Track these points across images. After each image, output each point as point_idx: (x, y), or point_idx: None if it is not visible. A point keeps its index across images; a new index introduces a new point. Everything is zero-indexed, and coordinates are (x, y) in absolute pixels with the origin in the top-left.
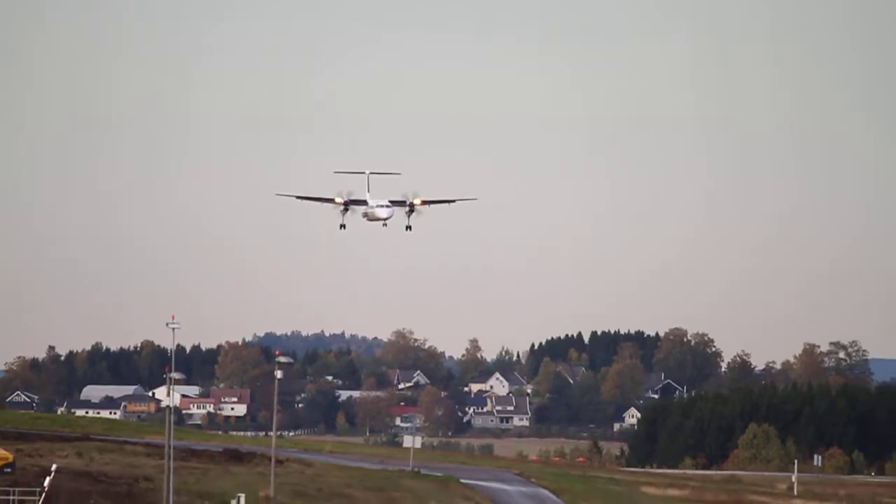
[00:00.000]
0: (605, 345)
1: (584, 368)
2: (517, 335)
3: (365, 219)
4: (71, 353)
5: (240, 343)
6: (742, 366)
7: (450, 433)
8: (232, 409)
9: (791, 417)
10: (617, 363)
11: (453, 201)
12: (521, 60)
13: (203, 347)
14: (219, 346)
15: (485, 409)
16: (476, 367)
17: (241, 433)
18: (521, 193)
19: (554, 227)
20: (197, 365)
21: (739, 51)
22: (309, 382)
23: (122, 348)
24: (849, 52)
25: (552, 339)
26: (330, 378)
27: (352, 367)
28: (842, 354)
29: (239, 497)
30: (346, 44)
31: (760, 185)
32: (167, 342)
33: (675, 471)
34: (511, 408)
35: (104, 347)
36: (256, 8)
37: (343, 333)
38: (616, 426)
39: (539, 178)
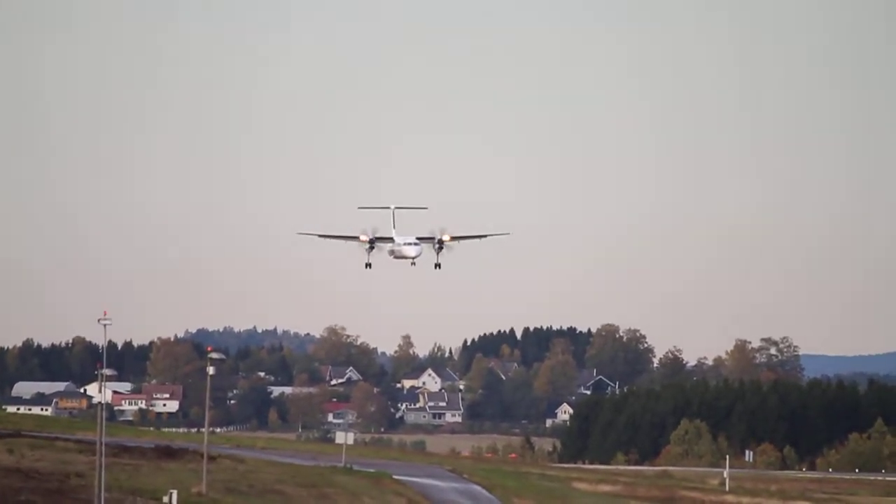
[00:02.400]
0: (538, 341)
1: (516, 364)
2: (450, 331)
3: (391, 257)
4: (2, 349)
5: (172, 339)
6: (674, 362)
7: (382, 429)
8: (164, 405)
9: (723, 413)
10: (549, 359)
11: (484, 236)
12: (546, 87)
13: (135, 344)
14: (151, 343)
15: (417, 405)
16: (408, 364)
17: (173, 429)
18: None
19: (486, 222)
20: (129, 361)
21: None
22: (241, 378)
23: (53, 344)
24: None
25: (484, 335)
26: (262, 374)
27: (284, 363)
28: (773, 350)
29: (171, 493)
30: (368, 77)
31: (694, 185)
32: (99, 338)
33: (608, 466)
34: (443, 404)
35: (35, 343)
36: (281, 41)
37: (275, 329)
38: (548, 422)
39: (475, 178)
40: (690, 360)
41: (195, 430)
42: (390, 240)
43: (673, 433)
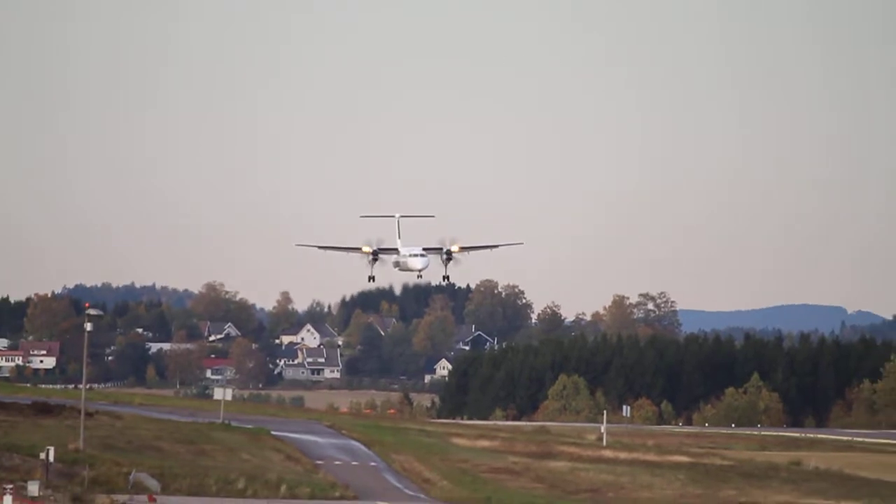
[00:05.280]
0: (417, 297)
1: (395, 320)
2: (328, 287)
3: (396, 269)
4: None
5: (49, 295)
6: (552, 317)
7: (260, 385)
8: (41, 361)
9: (600, 368)
10: (428, 315)
11: (496, 247)
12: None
13: (12, 300)
14: (27, 299)
15: (296, 361)
16: (287, 319)
17: (51, 386)
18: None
19: (367, 174)
20: (5, 317)
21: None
22: (119, 335)
23: None
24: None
25: (364, 291)
26: (140, 330)
27: (162, 320)
28: (650, 306)
29: (48, 450)
30: (370, 79)
31: (569, 136)
32: None
33: (486, 422)
34: (322, 360)
35: None
36: (287, 41)
37: (154, 285)
38: (427, 378)
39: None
40: (569, 315)
41: (72, 386)
42: (395, 251)
43: (551, 388)
